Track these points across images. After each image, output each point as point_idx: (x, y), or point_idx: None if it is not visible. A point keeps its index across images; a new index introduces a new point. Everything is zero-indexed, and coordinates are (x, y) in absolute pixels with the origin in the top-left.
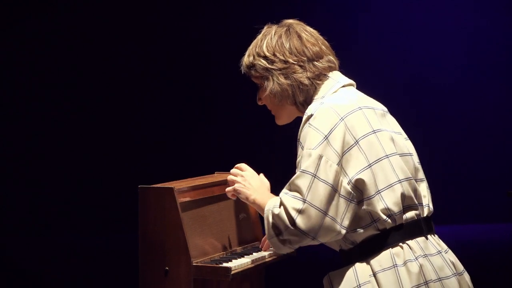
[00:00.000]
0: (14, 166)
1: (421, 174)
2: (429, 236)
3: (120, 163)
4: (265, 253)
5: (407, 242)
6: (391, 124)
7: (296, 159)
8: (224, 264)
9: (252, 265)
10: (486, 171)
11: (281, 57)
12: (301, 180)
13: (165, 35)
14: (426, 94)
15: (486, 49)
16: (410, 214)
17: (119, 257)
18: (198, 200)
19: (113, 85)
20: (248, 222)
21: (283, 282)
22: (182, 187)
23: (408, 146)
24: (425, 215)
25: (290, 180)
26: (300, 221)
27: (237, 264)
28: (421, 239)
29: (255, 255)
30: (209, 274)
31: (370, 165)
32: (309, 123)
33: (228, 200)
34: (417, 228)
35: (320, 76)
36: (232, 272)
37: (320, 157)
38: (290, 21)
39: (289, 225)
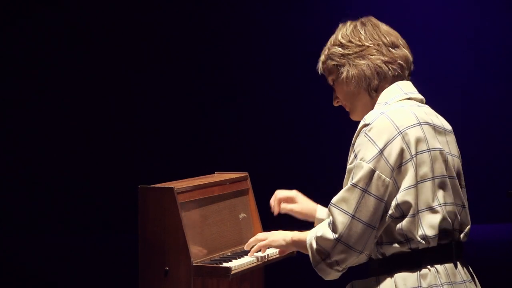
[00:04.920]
0: (14, 166)
1: (465, 200)
2: (458, 263)
3: (120, 163)
4: (265, 253)
5: (435, 266)
6: (450, 144)
7: (346, 161)
8: (224, 264)
9: (252, 265)
10: (486, 171)
11: (357, 42)
12: (351, 194)
13: (165, 35)
14: (425, 94)
15: (486, 49)
16: (444, 239)
17: (119, 257)
18: (198, 200)
19: (113, 85)
20: (248, 222)
21: (283, 282)
22: (182, 187)
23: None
24: (459, 241)
25: (341, 192)
26: (347, 235)
27: (237, 264)
28: (449, 265)
29: (255, 255)
30: (209, 274)
31: (416, 184)
32: (365, 133)
33: (228, 200)
34: (448, 254)
35: (395, 64)
36: (232, 272)
37: (373, 171)
38: (366, 17)
39: (335, 240)
